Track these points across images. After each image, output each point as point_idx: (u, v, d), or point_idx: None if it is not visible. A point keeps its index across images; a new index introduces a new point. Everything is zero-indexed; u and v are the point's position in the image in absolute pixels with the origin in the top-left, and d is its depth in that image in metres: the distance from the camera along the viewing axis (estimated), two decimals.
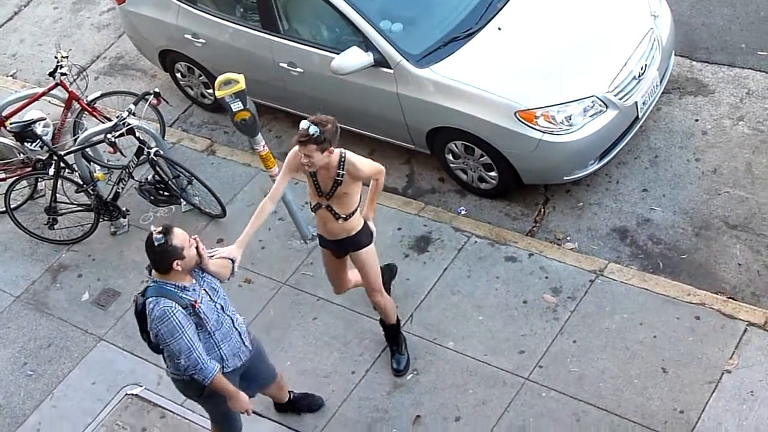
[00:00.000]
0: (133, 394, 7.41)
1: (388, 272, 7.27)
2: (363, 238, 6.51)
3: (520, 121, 7.41)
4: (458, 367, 6.92)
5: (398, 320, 6.96)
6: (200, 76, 9.48)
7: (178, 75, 9.74)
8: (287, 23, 8.43)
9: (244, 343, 5.98)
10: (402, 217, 7.98)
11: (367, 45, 7.80)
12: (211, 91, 9.14)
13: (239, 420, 6.31)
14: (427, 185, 8.44)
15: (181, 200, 8.59)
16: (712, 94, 8.40)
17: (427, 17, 8.03)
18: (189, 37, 9.06)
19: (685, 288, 7.00)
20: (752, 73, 8.46)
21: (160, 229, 5.46)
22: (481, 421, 6.59)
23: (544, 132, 7.40)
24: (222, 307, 5.81)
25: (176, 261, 5.48)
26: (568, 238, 7.71)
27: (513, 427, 6.51)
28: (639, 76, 7.64)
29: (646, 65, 7.70)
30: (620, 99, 7.53)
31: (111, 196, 8.55)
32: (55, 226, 8.72)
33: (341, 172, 6.15)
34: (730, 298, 6.90)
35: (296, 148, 6.07)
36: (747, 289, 7.00)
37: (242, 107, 7.15)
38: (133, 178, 8.52)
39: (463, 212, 8.09)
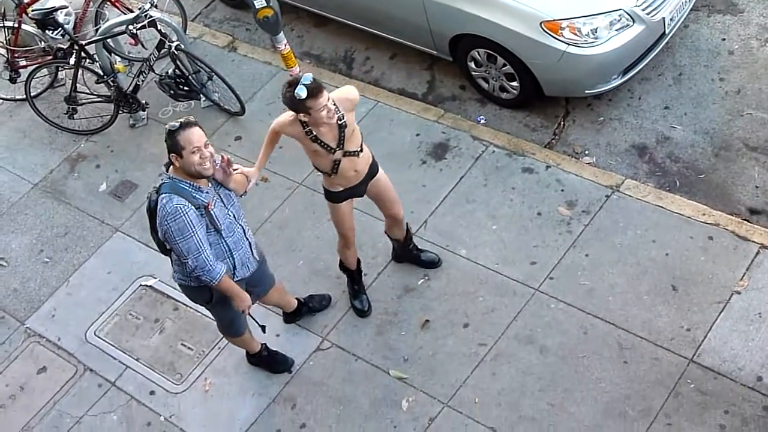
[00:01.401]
0: (147, 286, 7.53)
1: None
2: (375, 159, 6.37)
3: (545, 31, 7.33)
4: (469, 274, 6.98)
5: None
6: None
7: None
8: None
9: (252, 254, 5.99)
10: (421, 123, 7.96)
11: None
12: None
13: (245, 324, 6.39)
14: (447, 92, 8.39)
15: (201, 96, 8.57)
16: (742, 14, 8.26)
17: None
18: None
19: (700, 208, 7.00)
20: None
21: (182, 120, 5.40)
22: (488, 329, 6.68)
23: (568, 44, 7.32)
24: (234, 215, 5.77)
25: (174, 155, 5.41)
26: (587, 152, 7.69)
27: (520, 336, 6.60)
28: None
29: None
30: (648, 14, 7.42)
31: (131, 89, 8.54)
32: (75, 116, 8.75)
33: (340, 114, 5.84)
34: (744, 219, 6.91)
35: (289, 117, 5.84)
36: (763, 212, 6.99)
37: (265, 4, 7.10)
38: (153, 71, 8.50)
39: (482, 121, 8.06)
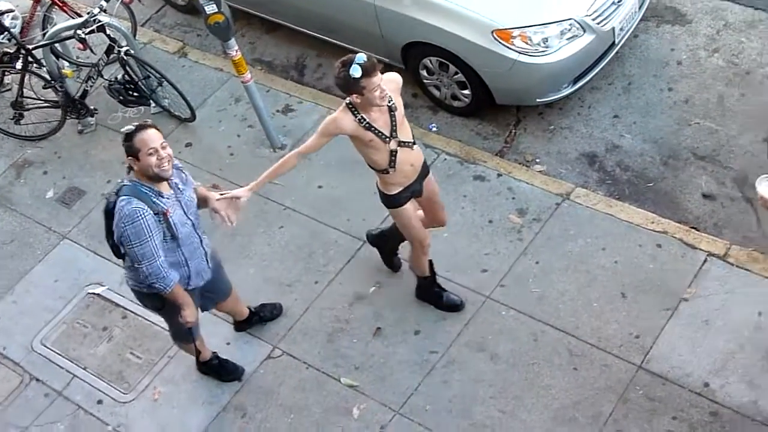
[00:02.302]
0: (95, 294, 7.42)
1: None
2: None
3: (496, 40, 7.36)
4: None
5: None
6: None
7: None
8: None
9: (208, 264, 5.94)
10: None
11: None
12: None
13: (198, 330, 6.31)
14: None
15: (151, 102, 8.49)
16: (690, 24, 8.37)
17: None
18: None
19: (649, 216, 7.07)
20: (730, 5, 8.42)
21: (139, 123, 5.39)
22: (440, 336, 6.68)
23: (520, 53, 7.36)
24: (194, 224, 5.72)
25: (132, 158, 5.37)
26: (537, 160, 7.73)
27: (471, 343, 6.60)
28: (618, 2, 7.59)
29: None
30: (598, 23, 7.49)
31: (79, 94, 8.44)
32: (21, 122, 8.62)
33: (388, 95, 5.66)
34: (692, 228, 6.98)
35: (339, 111, 5.71)
36: (710, 220, 7.07)
37: (216, 10, 7.04)
38: (102, 76, 8.41)
39: (434, 129, 8.07)
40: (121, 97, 8.39)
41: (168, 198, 5.51)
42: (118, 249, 5.65)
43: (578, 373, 6.32)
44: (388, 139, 5.81)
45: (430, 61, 7.84)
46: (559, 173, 7.58)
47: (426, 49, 7.74)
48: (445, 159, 7.70)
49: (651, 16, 8.45)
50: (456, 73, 7.75)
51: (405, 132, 5.90)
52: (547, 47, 7.38)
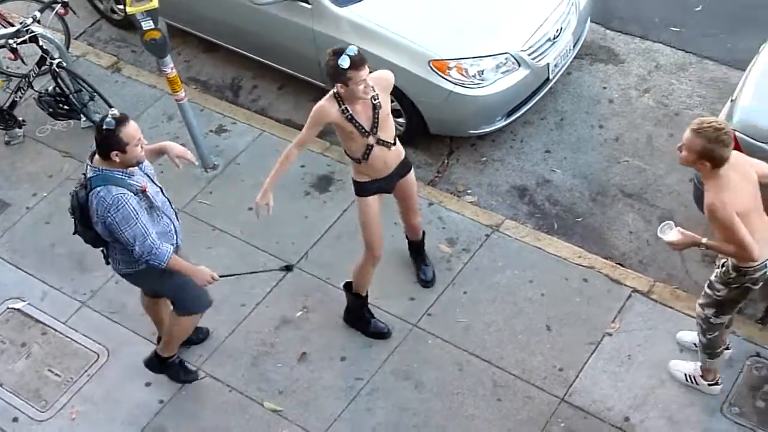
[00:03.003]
0: (15, 308, 7.25)
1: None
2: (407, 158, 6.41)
3: (433, 70, 7.42)
4: None
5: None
6: None
7: None
8: None
9: (177, 219, 6.03)
10: (306, 155, 7.90)
11: None
12: (121, 6, 8.88)
13: (208, 297, 6.30)
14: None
15: (81, 115, 8.36)
16: (622, 64, 8.53)
17: None
18: None
19: (576, 250, 7.15)
20: (662, 47, 8.61)
21: (117, 114, 5.38)
22: (365, 363, 6.65)
23: (455, 84, 7.43)
24: (161, 189, 5.84)
25: (116, 152, 5.40)
26: (469, 191, 7.78)
27: (397, 371, 6.59)
28: (554, 38, 7.71)
29: (561, 28, 7.76)
30: (533, 59, 7.59)
31: (8, 105, 8.28)
32: None
33: (375, 93, 5.88)
34: (618, 263, 7.08)
35: (326, 98, 5.93)
36: (635, 256, 7.18)
37: (153, 26, 6.97)
38: (32, 87, 8.27)
39: None
40: (51, 110, 8.25)
41: (137, 175, 5.59)
42: (96, 239, 5.72)
43: (502, 404, 6.35)
44: (367, 134, 5.99)
45: None
46: (489, 205, 7.64)
47: None
48: None
49: (585, 54, 8.59)
50: (392, 102, 7.75)
51: (387, 131, 6.06)
52: (482, 80, 7.45)
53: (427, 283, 7.02)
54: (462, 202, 7.62)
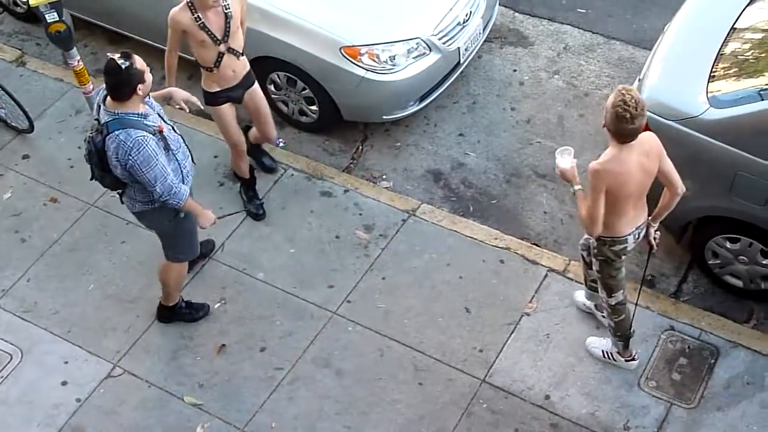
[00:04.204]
0: None
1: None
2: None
3: (344, 57, 7.39)
4: (267, 298, 6.92)
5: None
6: None
7: None
8: None
9: (192, 160, 6.12)
10: (219, 145, 7.84)
11: None
12: None
13: (199, 246, 6.55)
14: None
15: None
16: (532, 47, 8.62)
17: None
18: None
19: (492, 232, 7.21)
20: (570, 29, 8.73)
21: (120, 54, 5.42)
22: (286, 353, 6.63)
23: (367, 70, 7.41)
24: (173, 127, 5.94)
25: (139, 85, 5.45)
26: (384, 176, 7.79)
27: (318, 359, 6.58)
28: (463, 23, 7.75)
29: (471, 12, 7.80)
30: (444, 43, 7.62)
31: None
32: None
33: (226, 2, 6.35)
34: (534, 244, 7.16)
35: (179, 6, 6.34)
36: (550, 236, 7.27)
37: (57, 18, 6.84)
38: None
39: (281, 144, 8.02)
40: None
41: (152, 115, 5.65)
42: (115, 182, 5.83)
43: (423, 388, 6.38)
44: (218, 42, 6.46)
45: (278, 76, 7.80)
46: (405, 190, 7.66)
47: (274, 63, 7.70)
48: (292, 174, 7.67)
49: (495, 38, 8.65)
50: (304, 89, 7.74)
51: (236, 40, 6.56)
52: (394, 65, 7.45)
53: (271, 170, 7.57)
54: (378, 188, 7.62)
